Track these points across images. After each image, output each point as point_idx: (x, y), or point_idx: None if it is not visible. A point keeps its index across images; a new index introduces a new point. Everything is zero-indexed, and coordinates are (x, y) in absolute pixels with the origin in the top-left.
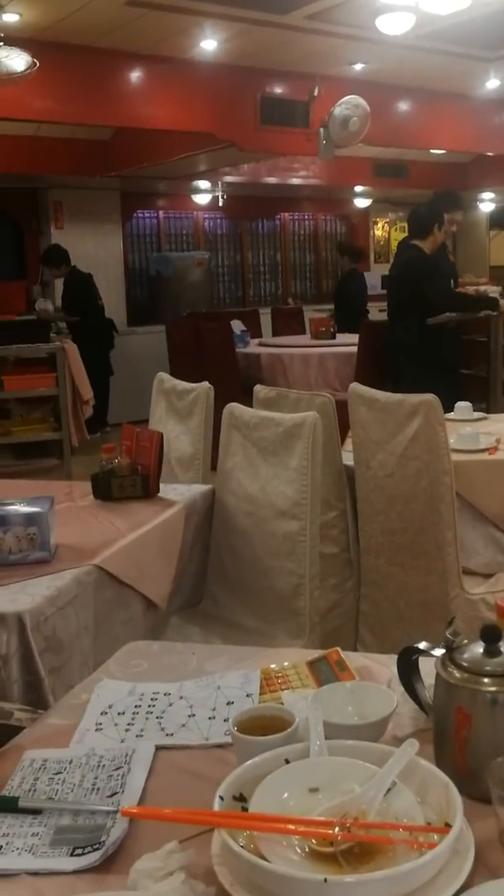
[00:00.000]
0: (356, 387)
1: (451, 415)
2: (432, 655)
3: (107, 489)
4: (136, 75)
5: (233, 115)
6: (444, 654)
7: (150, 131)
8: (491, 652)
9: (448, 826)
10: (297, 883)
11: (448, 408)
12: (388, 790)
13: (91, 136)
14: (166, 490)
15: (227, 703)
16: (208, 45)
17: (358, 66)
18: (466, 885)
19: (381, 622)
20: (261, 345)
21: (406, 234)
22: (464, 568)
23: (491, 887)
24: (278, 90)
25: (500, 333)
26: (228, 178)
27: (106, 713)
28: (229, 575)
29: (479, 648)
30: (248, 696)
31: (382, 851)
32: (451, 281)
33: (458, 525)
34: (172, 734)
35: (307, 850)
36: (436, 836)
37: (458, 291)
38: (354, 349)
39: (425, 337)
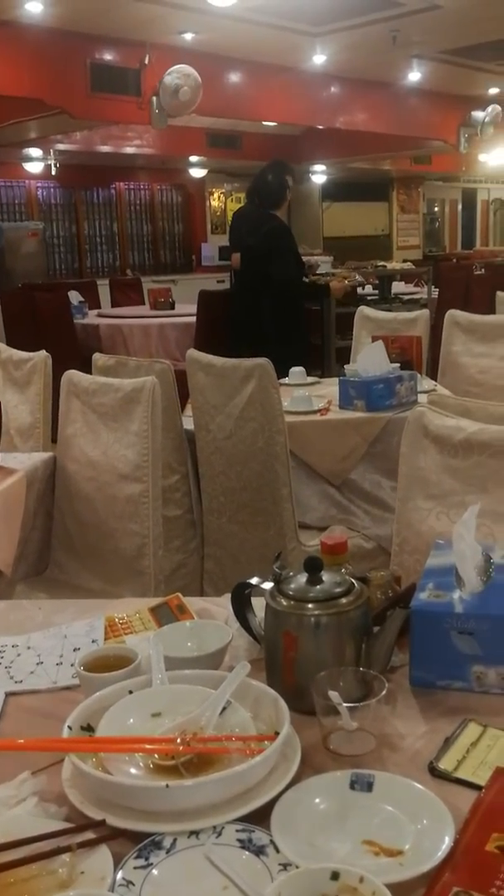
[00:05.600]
0: (193, 353)
1: (285, 380)
2: (262, 589)
3: None
4: None
5: (63, 82)
6: (272, 587)
7: None
8: (313, 581)
9: (277, 734)
10: (142, 791)
11: (308, 372)
12: (224, 709)
13: None
14: (6, 459)
15: (74, 650)
16: (34, 7)
17: (188, 36)
18: (294, 782)
19: (224, 579)
20: (99, 315)
21: (241, 203)
22: (300, 522)
23: (314, 780)
24: (108, 57)
25: (333, 303)
26: (61, 146)
27: None
28: (74, 540)
29: (303, 579)
30: (93, 641)
31: (219, 760)
32: None
33: (293, 482)
34: (21, 681)
35: (151, 765)
36: (266, 743)
37: (298, 281)
38: (193, 319)
39: (294, 306)
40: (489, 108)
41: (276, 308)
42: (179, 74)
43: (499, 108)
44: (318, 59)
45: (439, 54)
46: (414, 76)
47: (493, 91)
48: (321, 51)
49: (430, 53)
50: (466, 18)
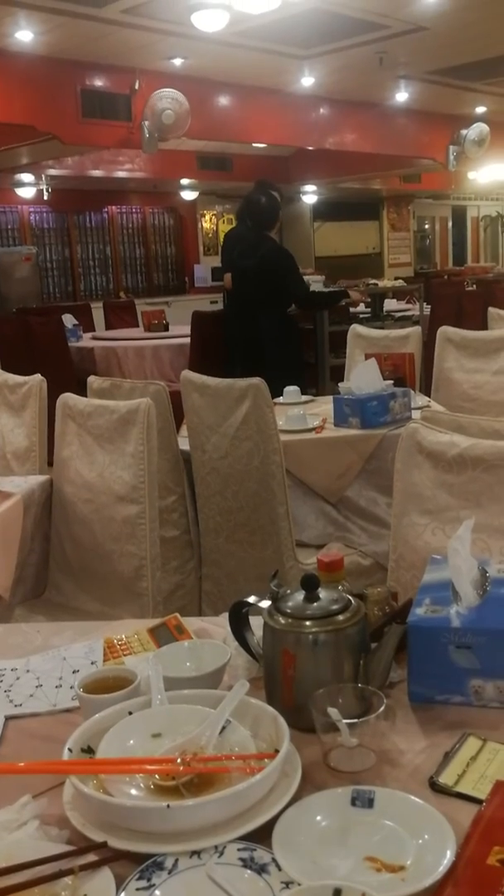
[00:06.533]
0: (188, 374)
1: (280, 399)
2: (260, 607)
3: None
4: None
5: (54, 108)
6: (270, 605)
7: None
8: (311, 598)
9: (277, 751)
10: (143, 812)
11: (302, 391)
12: (224, 728)
13: None
14: (3, 483)
15: (73, 672)
16: (24, 35)
17: (177, 61)
18: (295, 800)
19: (222, 599)
20: (94, 338)
21: (233, 225)
22: (297, 541)
23: (314, 798)
24: (98, 83)
25: (326, 322)
26: (53, 172)
27: None
28: (71, 563)
29: (300, 596)
30: (92, 663)
31: (220, 779)
32: None
33: (289, 501)
34: (21, 704)
35: (152, 786)
36: (266, 761)
37: (313, 290)
38: (187, 340)
39: (292, 326)
40: (474, 126)
41: (270, 327)
42: (168, 99)
43: (485, 126)
44: (307, 81)
45: (426, 75)
46: (401, 96)
47: (480, 109)
48: (309, 73)
49: (417, 74)
50: (452, 39)
